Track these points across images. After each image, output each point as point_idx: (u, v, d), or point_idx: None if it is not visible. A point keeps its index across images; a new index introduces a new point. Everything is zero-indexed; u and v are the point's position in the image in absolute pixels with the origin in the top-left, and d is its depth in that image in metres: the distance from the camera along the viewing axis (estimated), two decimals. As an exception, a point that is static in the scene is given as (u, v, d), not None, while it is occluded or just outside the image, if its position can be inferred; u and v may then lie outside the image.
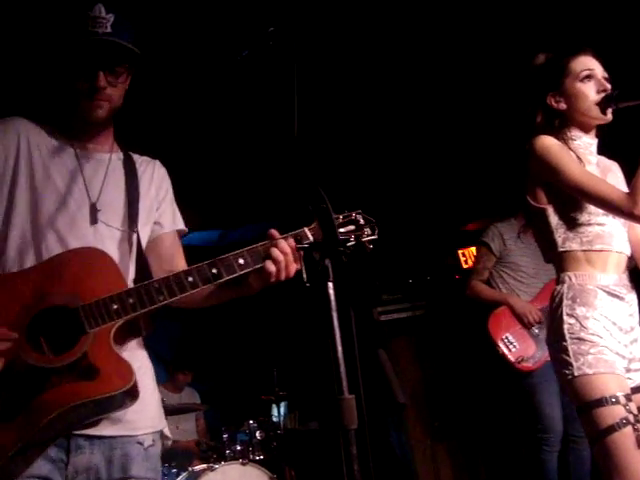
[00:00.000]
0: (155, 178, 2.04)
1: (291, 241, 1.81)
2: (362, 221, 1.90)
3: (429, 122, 5.06)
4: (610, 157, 2.59)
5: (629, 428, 2.10)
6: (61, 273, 1.70)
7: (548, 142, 2.38)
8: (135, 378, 1.66)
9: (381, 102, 4.74)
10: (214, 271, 1.75)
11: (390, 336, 5.67)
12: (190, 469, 4.66)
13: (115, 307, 1.66)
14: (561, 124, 2.46)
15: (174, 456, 5.26)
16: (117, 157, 1.98)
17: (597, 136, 2.51)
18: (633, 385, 2.27)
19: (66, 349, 1.64)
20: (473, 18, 3.92)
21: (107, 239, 1.85)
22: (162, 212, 2.04)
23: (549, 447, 3.93)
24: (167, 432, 1.96)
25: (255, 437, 5.13)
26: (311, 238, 1.83)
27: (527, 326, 4.00)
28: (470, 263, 6.62)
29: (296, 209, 1.80)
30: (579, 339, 2.23)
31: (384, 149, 5.34)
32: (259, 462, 4.80)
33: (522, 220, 3.81)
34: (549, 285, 3.86)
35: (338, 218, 1.89)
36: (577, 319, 2.26)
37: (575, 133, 2.46)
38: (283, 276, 1.79)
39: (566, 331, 2.25)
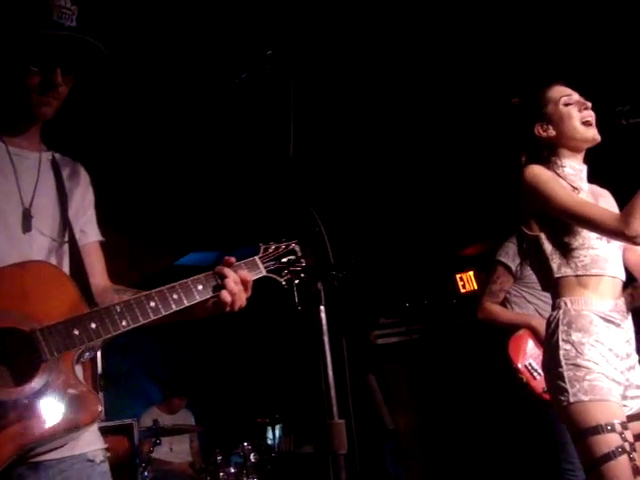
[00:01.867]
0: (81, 182, 1.87)
1: (242, 272, 1.73)
2: (299, 252, 1.81)
3: (426, 146, 5.09)
4: (601, 186, 2.60)
5: (625, 457, 2.07)
6: (8, 290, 1.52)
7: (536, 171, 2.41)
8: (102, 408, 1.55)
9: (378, 126, 4.77)
10: (175, 296, 1.64)
11: (385, 360, 5.63)
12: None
13: (76, 332, 1.52)
14: (550, 153, 2.49)
15: (168, 478, 5.21)
16: (46, 157, 1.80)
17: (586, 163, 2.53)
18: (629, 413, 2.25)
19: (23, 378, 1.45)
20: (471, 52, 3.98)
21: (42, 249, 1.68)
22: (87, 220, 1.87)
23: (575, 477, 3.42)
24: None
25: (249, 460, 5.06)
26: (261, 268, 1.78)
27: None
28: (468, 287, 6.61)
29: (289, 231, 1.80)
30: (575, 365, 2.21)
31: (381, 173, 5.36)
32: (253, 485, 4.76)
33: None
34: None
35: (280, 247, 1.83)
36: (573, 345, 2.24)
37: (565, 160, 2.48)
38: (237, 307, 1.71)
39: (562, 357, 2.24)
